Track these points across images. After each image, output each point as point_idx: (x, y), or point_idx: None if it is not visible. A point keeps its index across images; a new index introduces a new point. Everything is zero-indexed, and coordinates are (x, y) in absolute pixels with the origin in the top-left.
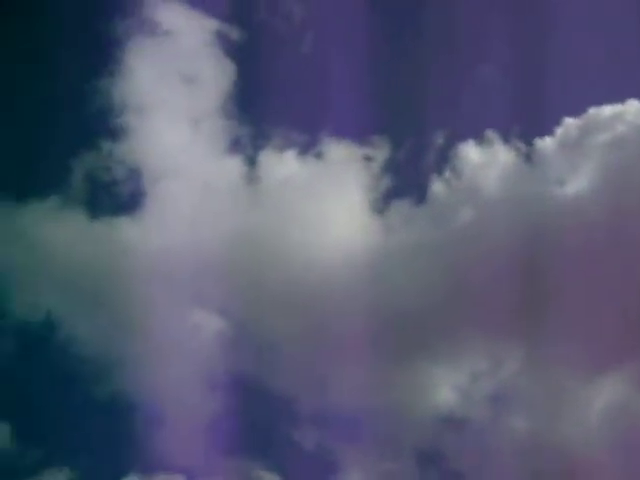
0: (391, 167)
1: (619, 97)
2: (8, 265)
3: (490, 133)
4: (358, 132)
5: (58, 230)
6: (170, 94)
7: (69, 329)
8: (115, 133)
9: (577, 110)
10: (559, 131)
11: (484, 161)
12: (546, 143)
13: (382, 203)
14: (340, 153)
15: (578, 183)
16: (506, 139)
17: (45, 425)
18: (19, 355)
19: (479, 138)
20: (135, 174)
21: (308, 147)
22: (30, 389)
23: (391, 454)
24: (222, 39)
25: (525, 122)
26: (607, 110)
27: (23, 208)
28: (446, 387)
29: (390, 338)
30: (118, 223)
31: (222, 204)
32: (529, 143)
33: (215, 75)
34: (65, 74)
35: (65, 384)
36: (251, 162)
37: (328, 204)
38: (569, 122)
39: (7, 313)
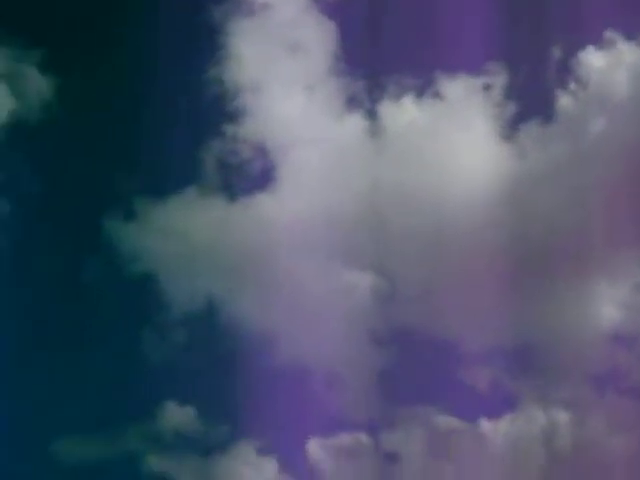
0: (513, 91)
1: None
2: (162, 261)
3: (610, 34)
4: (472, 63)
5: (200, 219)
6: (279, 66)
7: (230, 310)
8: (235, 115)
9: None
10: None
11: (609, 65)
12: None
13: (509, 129)
14: (458, 88)
15: None
16: (629, 37)
17: (225, 403)
18: (190, 344)
19: (599, 42)
20: (262, 150)
21: (424, 89)
22: (205, 372)
23: (565, 381)
24: (318, 0)
25: None
26: None
27: (163, 205)
28: (609, 304)
29: (541, 264)
30: (255, 201)
31: (350, 162)
32: None
33: (319, 37)
34: (176, 70)
35: (235, 362)
36: (371, 115)
37: (455, 141)
38: None
39: (171, 306)
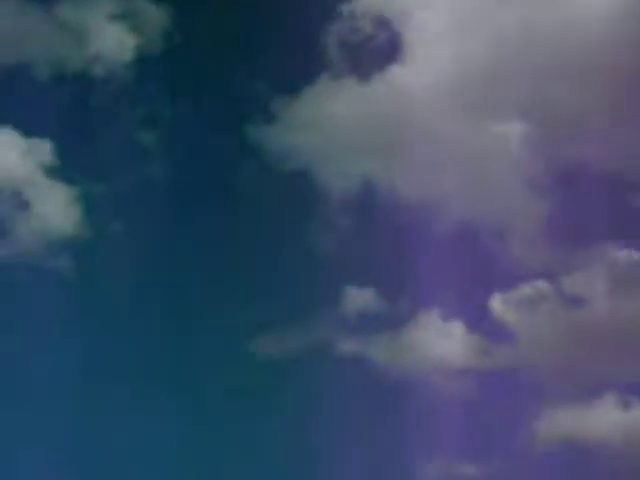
0: None
1: None
2: (310, 154)
3: None
4: None
5: (336, 105)
6: None
7: (386, 187)
8: None
9: None
10: None
11: None
12: None
13: None
14: None
15: None
16: None
17: (401, 277)
18: (354, 228)
19: None
20: (383, 22)
21: None
22: (376, 252)
23: None
24: None
25: None
26: None
27: (299, 100)
28: None
29: None
30: (388, 74)
31: (474, 12)
32: None
33: None
34: None
35: (402, 236)
36: None
37: None
38: None
39: (330, 195)
